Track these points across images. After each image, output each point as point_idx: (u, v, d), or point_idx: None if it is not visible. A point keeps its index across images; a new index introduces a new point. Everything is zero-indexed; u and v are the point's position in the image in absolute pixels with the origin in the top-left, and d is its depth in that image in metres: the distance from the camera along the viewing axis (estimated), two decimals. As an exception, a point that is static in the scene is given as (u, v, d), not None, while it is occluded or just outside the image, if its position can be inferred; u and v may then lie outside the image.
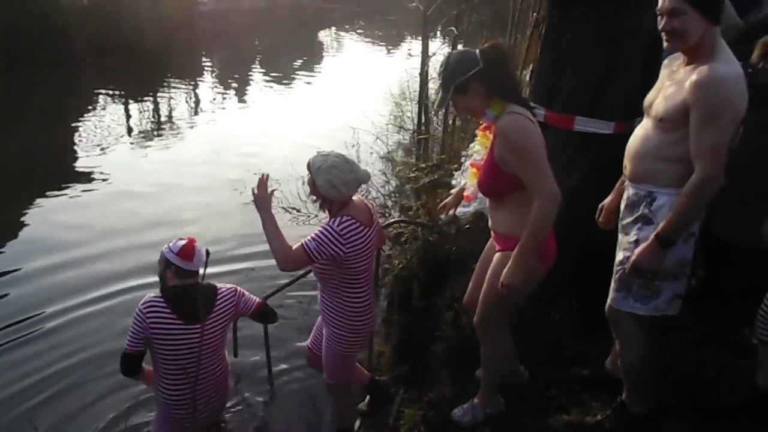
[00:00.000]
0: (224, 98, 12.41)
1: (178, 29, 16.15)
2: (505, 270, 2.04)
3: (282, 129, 9.49)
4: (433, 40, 7.16)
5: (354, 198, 2.45)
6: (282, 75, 14.18)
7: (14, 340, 4.02)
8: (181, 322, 2.56)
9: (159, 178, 7.20)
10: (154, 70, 13.56)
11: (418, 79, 6.76)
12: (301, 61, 16.12)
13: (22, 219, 5.91)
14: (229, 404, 3.26)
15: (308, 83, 13.98)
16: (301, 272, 3.53)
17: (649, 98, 2.06)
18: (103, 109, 10.55)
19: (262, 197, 2.42)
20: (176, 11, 16.34)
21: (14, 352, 3.93)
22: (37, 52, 11.54)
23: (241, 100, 12.20)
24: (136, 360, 2.62)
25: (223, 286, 2.77)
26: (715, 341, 2.58)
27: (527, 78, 5.52)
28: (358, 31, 24.28)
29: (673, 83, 1.93)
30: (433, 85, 6.74)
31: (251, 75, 14.67)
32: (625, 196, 2.12)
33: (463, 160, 5.16)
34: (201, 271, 2.06)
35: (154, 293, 2.61)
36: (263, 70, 15.17)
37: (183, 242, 2.64)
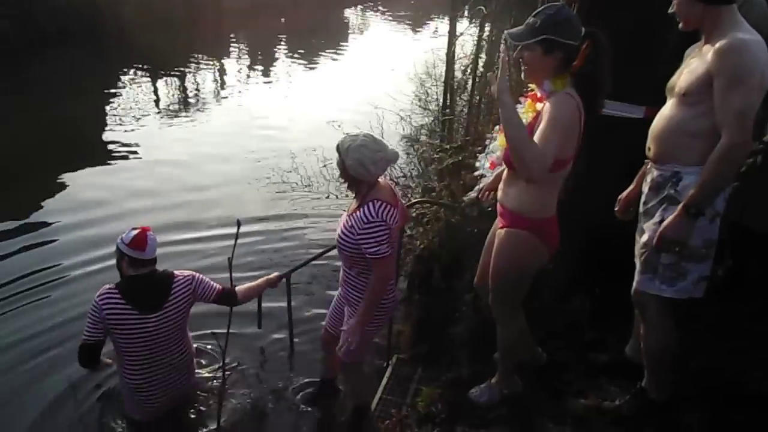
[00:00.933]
0: (249, 75, 12.45)
1: (206, 6, 16.17)
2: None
3: (306, 106, 9.52)
4: (461, 20, 7.04)
5: (379, 180, 2.45)
6: (307, 53, 14.14)
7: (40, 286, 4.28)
8: (137, 312, 2.64)
9: (185, 149, 7.35)
10: (181, 47, 13.65)
11: (443, 60, 6.69)
12: (326, 39, 16.03)
13: (57, 182, 6.10)
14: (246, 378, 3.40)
15: (333, 61, 13.91)
16: (322, 250, 3.62)
17: (672, 81, 2.04)
18: (132, 83, 10.69)
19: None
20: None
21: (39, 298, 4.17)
22: (67, 27, 11.69)
23: (266, 77, 12.22)
24: (95, 349, 2.68)
25: (180, 273, 2.83)
26: (739, 332, 2.56)
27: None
28: (384, 10, 23.98)
29: (694, 60, 1.93)
30: (460, 65, 6.68)
31: (276, 52, 14.66)
32: (648, 179, 2.10)
33: (487, 142, 5.12)
34: (232, 242, 2.06)
35: (110, 284, 2.68)
36: (288, 48, 15.14)
37: (135, 232, 2.67)
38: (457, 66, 6.45)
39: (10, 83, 9.45)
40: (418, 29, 19.28)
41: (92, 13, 12.49)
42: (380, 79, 9.72)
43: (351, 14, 23.67)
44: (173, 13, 14.16)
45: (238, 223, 2.04)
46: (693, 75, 1.88)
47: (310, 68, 13.05)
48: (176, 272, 2.82)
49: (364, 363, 2.92)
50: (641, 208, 2.12)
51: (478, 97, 5.90)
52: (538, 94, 2.10)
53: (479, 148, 5.17)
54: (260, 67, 13.09)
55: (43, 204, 5.68)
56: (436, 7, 19.32)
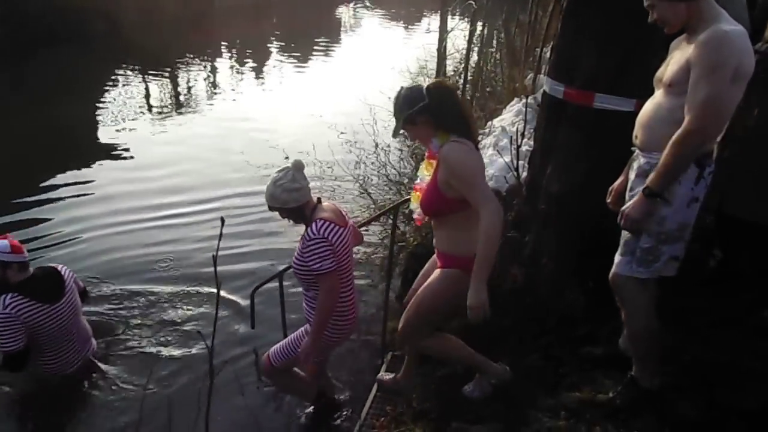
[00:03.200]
0: (241, 75, 12.41)
1: (198, 6, 16.10)
2: (470, 293, 2.15)
3: (298, 105, 9.47)
4: (453, 17, 7.04)
5: (323, 203, 2.64)
6: (299, 52, 14.10)
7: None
8: (48, 305, 3.01)
9: (175, 149, 7.31)
10: (173, 47, 13.58)
11: (435, 56, 6.69)
12: (318, 38, 15.99)
13: (47, 182, 6.07)
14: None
15: (325, 60, 13.88)
16: None
17: (659, 72, 2.08)
18: (124, 84, 10.63)
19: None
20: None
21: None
22: (57, 28, 11.61)
23: (259, 77, 12.18)
24: (24, 354, 3.02)
25: (53, 265, 3.23)
26: (732, 323, 2.56)
27: (547, 55, 5.42)
28: (376, 8, 23.95)
29: (678, 52, 1.97)
30: (451, 62, 6.67)
31: (269, 52, 14.61)
32: (635, 166, 2.13)
33: (480, 137, 5.12)
34: (216, 242, 2.12)
35: (8, 295, 2.94)
36: (280, 47, 15.09)
37: (5, 241, 2.97)
38: (449, 62, 6.44)
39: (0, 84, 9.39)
40: (410, 26, 19.26)
41: (82, 14, 12.39)
42: (373, 77, 9.67)
43: (343, 12, 23.63)
44: (165, 12, 14.08)
45: (222, 221, 2.10)
46: (677, 65, 1.92)
47: (303, 67, 13.01)
48: (50, 265, 3.25)
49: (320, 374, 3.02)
50: (627, 195, 2.14)
51: (469, 94, 5.89)
52: (433, 152, 2.36)
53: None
54: (252, 67, 13.04)
55: (31, 201, 5.65)
56: (428, 4, 19.31)
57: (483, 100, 6.49)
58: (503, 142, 4.37)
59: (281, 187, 2.50)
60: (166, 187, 6.16)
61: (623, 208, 2.03)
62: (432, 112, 2.29)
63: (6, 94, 9.24)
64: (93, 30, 12.51)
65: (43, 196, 5.81)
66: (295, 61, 13.39)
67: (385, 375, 3.09)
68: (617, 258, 2.14)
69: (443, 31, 5.45)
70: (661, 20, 1.95)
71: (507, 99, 5.81)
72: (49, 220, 5.33)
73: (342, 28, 20.03)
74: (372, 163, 5.94)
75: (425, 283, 2.44)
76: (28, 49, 10.95)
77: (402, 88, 2.40)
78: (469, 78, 5.98)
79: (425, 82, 2.40)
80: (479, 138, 2.46)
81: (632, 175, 2.13)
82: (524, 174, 3.65)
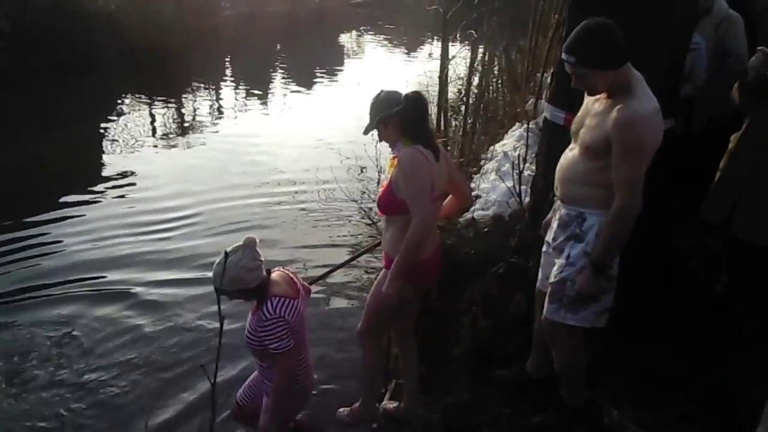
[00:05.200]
0: (246, 101, 12.55)
1: (202, 34, 16.38)
2: (385, 283, 2.47)
3: (302, 131, 9.56)
4: (453, 44, 7.13)
5: (273, 275, 2.48)
6: (302, 78, 14.28)
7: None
8: None
9: (181, 177, 7.31)
10: (178, 74, 13.77)
11: (437, 82, 6.76)
12: (321, 64, 16.21)
13: (51, 214, 6.02)
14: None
15: (329, 86, 14.05)
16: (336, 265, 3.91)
17: (575, 124, 2.21)
18: (130, 111, 10.73)
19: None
20: (200, 16, 16.59)
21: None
22: (66, 56, 11.81)
23: (263, 103, 12.32)
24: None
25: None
26: (743, 349, 2.54)
27: (548, 80, 5.48)
28: (379, 34, 24.34)
29: (596, 115, 2.07)
30: (453, 88, 6.74)
31: (273, 78, 14.81)
32: (557, 215, 2.29)
33: (482, 162, 5.15)
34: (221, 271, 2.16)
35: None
36: (284, 74, 15.30)
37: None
38: (450, 88, 6.51)
39: (6, 112, 9.49)
40: (412, 53, 19.55)
41: (92, 42, 12.62)
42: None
43: (346, 39, 24.01)
44: (169, 40, 14.34)
45: (226, 255, 2.12)
46: (594, 133, 2.05)
47: (306, 93, 13.17)
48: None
49: None
50: (550, 239, 2.32)
51: (471, 120, 5.94)
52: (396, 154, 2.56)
53: (474, 169, 5.21)
54: (256, 93, 13.20)
55: (36, 228, 5.65)
56: (429, 30, 19.61)
57: (484, 125, 6.54)
58: (505, 167, 4.40)
59: (243, 267, 2.29)
60: (167, 208, 6.20)
61: (576, 287, 2.13)
62: (404, 118, 2.47)
63: (14, 119, 9.34)
64: (101, 57, 12.71)
65: (48, 217, 5.87)
66: (299, 87, 13.56)
67: (388, 403, 3.05)
68: (546, 304, 2.28)
69: (445, 58, 5.52)
70: (588, 87, 2.06)
71: (508, 124, 5.86)
72: (50, 244, 5.35)
73: (345, 54, 20.33)
74: (374, 190, 5.97)
75: (374, 284, 2.69)
76: (35, 76, 11.13)
77: (382, 90, 2.57)
78: (470, 103, 6.04)
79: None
80: (439, 150, 2.59)
81: (554, 224, 2.29)
82: (527, 199, 3.66)
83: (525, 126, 4.77)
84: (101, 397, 3.53)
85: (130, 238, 5.50)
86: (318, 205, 6.27)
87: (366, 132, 2.62)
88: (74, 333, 4.10)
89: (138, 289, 4.64)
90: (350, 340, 3.82)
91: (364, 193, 6.01)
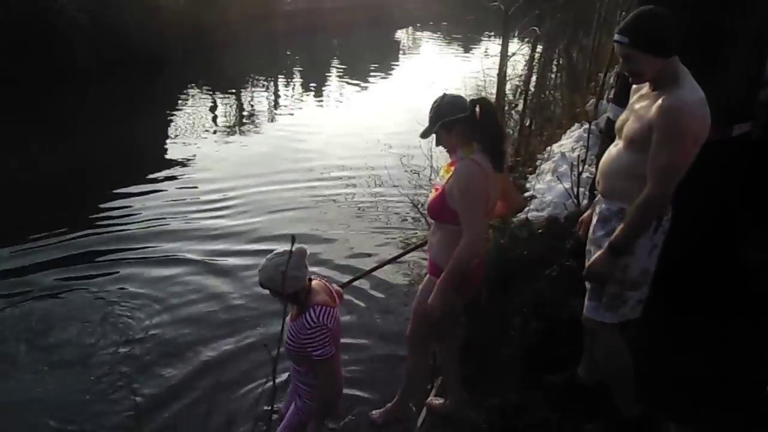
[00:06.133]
0: (302, 94, 12.81)
1: (263, 29, 16.82)
2: (431, 295, 2.39)
3: (355, 124, 9.71)
4: (512, 41, 7.01)
5: (312, 284, 2.50)
6: (358, 72, 14.42)
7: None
8: None
9: (238, 163, 7.63)
10: (239, 67, 14.21)
11: (494, 80, 6.68)
12: (377, 59, 16.31)
13: (117, 202, 6.35)
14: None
15: (384, 81, 14.13)
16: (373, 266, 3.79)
17: (620, 120, 2.16)
18: (194, 102, 11.21)
19: None
20: (262, 11, 17.04)
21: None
22: (136, 50, 12.40)
23: (318, 96, 12.54)
24: None
25: None
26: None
27: (611, 80, 5.30)
28: (436, 30, 24.22)
29: (642, 107, 2.04)
30: (510, 86, 6.63)
31: (329, 72, 15.03)
32: (597, 210, 2.24)
33: (538, 163, 5.05)
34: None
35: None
36: (340, 68, 15.49)
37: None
38: (508, 86, 6.41)
39: (75, 105, 10.06)
40: (469, 50, 19.35)
41: (164, 37, 13.15)
42: (430, 98, 9.75)
43: (402, 35, 24.01)
44: (232, 35, 14.80)
45: (293, 239, 2.13)
46: (638, 124, 2.01)
47: (361, 87, 13.29)
48: None
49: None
50: (590, 234, 2.26)
51: (529, 119, 5.83)
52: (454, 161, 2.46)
53: (530, 169, 5.12)
54: (312, 86, 13.44)
55: (101, 217, 5.96)
56: (488, 27, 19.36)
57: (541, 125, 6.41)
58: (562, 167, 4.31)
59: (282, 272, 2.31)
60: (225, 189, 6.56)
61: (588, 263, 2.13)
62: (469, 125, 2.37)
63: (86, 110, 9.92)
64: (170, 52, 13.27)
65: (108, 212, 6.14)
66: (354, 81, 13.70)
67: (434, 399, 3.06)
68: (586, 302, 2.24)
69: (504, 56, 5.44)
70: (634, 72, 2.02)
71: (566, 124, 5.72)
72: (115, 232, 5.63)
73: (400, 50, 20.35)
74: (425, 185, 5.98)
75: (419, 290, 2.65)
76: (110, 68, 11.75)
77: (445, 94, 2.47)
78: (528, 102, 5.93)
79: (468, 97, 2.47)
80: (508, 162, 2.58)
81: (594, 218, 2.25)
82: (584, 201, 3.57)
83: (585, 127, 4.64)
84: (163, 347, 3.89)
85: (193, 214, 5.97)
86: (368, 196, 6.40)
87: (424, 136, 2.52)
88: (142, 291, 4.52)
89: (197, 257, 5.06)
90: (389, 338, 3.93)
91: (414, 186, 6.04)
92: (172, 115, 10.22)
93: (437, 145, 2.53)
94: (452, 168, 2.42)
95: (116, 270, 4.84)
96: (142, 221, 5.77)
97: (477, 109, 2.40)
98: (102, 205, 6.11)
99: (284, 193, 6.53)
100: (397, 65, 16.62)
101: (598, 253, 2.09)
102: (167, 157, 7.89)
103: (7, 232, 5.39)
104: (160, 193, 6.61)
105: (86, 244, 5.24)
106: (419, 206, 5.35)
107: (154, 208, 6.14)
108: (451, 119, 2.37)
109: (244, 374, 3.61)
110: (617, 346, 2.24)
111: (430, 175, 5.63)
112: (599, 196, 2.25)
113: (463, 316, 2.82)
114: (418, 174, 6.39)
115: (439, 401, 3.03)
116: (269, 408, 3.02)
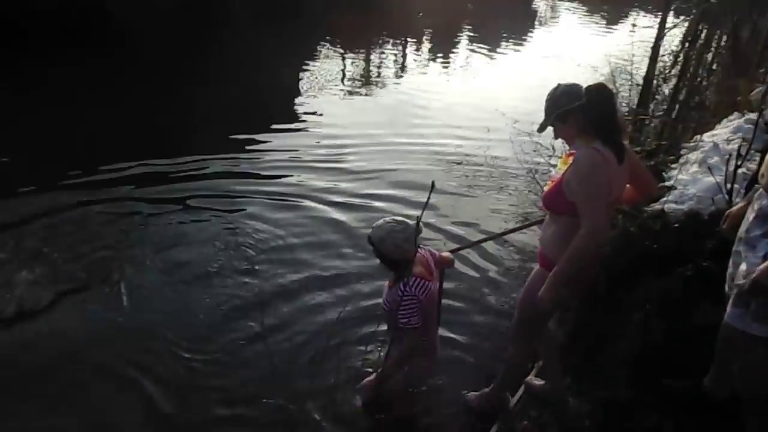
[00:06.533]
0: (430, 58, 12.67)
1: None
2: (542, 287, 2.28)
3: (479, 93, 9.47)
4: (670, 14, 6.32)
5: (417, 254, 2.62)
6: (489, 40, 13.95)
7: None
8: None
9: (360, 120, 7.81)
10: (372, 27, 14.35)
11: (639, 56, 6.11)
12: (511, 28, 15.64)
13: (258, 136, 6.88)
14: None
15: (516, 50, 13.55)
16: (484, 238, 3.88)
17: None
18: (325, 57, 11.54)
19: None
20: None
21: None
22: (279, 4, 12.95)
23: (445, 61, 12.34)
24: None
25: None
26: None
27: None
28: (577, 0, 22.63)
29: None
30: (663, 62, 6.03)
31: (459, 38, 14.69)
32: (755, 205, 1.96)
33: (683, 152, 4.57)
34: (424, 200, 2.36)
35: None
36: (472, 34, 15.07)
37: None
38: (658, 65, 5.83)
39: (217, 55, 10.67)
40: (615, 22, 17.88)
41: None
42: (563, 72, 9.21)
43: (541, 3, 22.73)
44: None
45: (432, 185, 2.30)
46: None
47: (491, 56, 12.87)
48: None
49: None
50: (742, 233, 2.01)
51: (680, 100, 5.26)
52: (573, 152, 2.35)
53: (671, 157, 4.65)
54: (441, 51, 13.23)
55: (245, 146, 6.55)
56: (637, 2, 17.72)
57: (689, 110, 5.77)
58: (713, 159, 3.87)
59: (393, 239, 2.53)
60: (345, 144, 6.79)
61: (756, 273, 1.83)
62: (585, 113, 2.26)
63: (220, 61, 10.52)
64: (310, 8, 13.72)
65: (255, 137, 6.73)
66: (485, 48, 13.29)
67: (534, 379, 2.98)
68: (729, 308, 1.98)
69: (662, 28, 4.91)
70: None
71: (723, 112, 5.09)
72: (245, 179, 5.91)
73: (536, 21, 19.31)
74: (544, 163, 5.72)
75: (527, 280, 2.58)
76: (251, 21, 12.40)
77: (559, 84, 2.36)
78: (681, 84, 5.35)
79: (611, 84, 2.27)
80: (624, 151, 2.30)
81: (751, 215, 1.95)
82: (737, 200, 3.18)
83: (747, 117, 4.10)
84: (269, 286, 4.08)
85: (318, 164, 6.24)
86: (484, 167, 6.28)
87: (541, 129, 2.41)
88: (267, 227, 4.83)
89: (311, 203, 5.32)
90: (487, 324, 3.83)
91: (532, 164, 5.81)
92: (306, 67, 10.59)
93: (555, 138, 2.42)
94: (570, 159, 2.33)
95: (244, 207, 5.17)
96: (272, 167, 6.09)
97: (592, 98, 2.27)
98: (233, 154, 6.40)
99: (400, 154, 6.62)
100: (530, 36, 15.83)
101: (765, 264, 1.82)
102: (296, 109, 8.22)
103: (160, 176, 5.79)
104: (287, 141, 6.93)
105: (221, 186, 5.54)
106: (536, 184, 5.15)
107: (284, 150, 6.51)
108: (567, 109, 2.29)
109: (349, 324, 3.58)
110: (760, 361, 1.98)
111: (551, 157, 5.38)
112: (761, 190, 1.98)
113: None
114: (539, 150, 6.11)
115: (539, 382, 2.95)
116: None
